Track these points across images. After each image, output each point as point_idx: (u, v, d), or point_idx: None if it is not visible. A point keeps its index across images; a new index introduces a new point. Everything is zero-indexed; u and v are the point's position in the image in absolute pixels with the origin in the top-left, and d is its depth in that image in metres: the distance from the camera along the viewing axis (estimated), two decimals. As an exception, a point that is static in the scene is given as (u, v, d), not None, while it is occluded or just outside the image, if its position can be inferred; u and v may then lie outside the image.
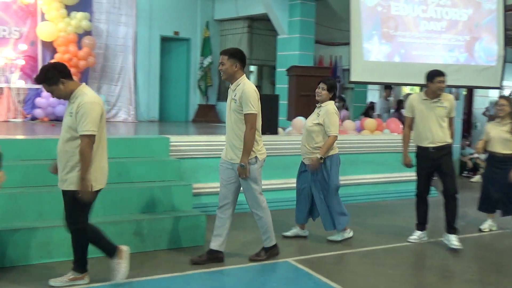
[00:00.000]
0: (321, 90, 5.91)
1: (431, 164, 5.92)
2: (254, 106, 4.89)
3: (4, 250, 5.02)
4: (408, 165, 6.15)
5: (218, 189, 7.52)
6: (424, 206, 6.11)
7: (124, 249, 4.55)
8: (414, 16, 10.10)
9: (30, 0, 10.88)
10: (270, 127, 8.12)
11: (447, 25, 10.19)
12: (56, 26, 11.06)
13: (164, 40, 13.16)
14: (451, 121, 5.97)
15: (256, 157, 5.00)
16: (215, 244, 5.11)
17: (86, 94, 4.21)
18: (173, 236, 5.76)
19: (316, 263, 5.33)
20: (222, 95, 13.81)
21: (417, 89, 14.91)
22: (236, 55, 4.95)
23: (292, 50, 11.98)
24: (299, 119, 8.81)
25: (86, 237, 4.53)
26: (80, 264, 4.59)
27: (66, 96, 4.26)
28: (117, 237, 5.41)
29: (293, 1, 11.81)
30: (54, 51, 11.19)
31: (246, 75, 5.17)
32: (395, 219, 7.35)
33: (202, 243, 5.78)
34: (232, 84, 4.99)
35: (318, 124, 5.83)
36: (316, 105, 6.07)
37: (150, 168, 6.44)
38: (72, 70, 10.73)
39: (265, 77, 14.43)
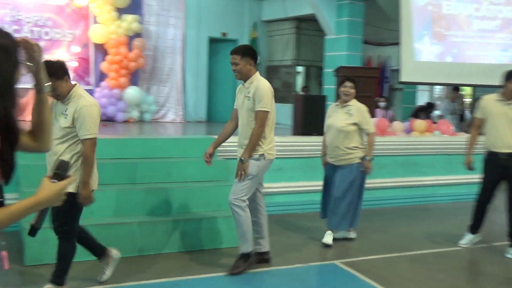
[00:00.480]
0: (349, 89, 5.73)
1: (500, 171, 5.51)
2: (268, 103, 4.71)
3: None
4: (468, 166, 5.87)
5: (266, 190, 7.50)
6: (482, 212, 5.78)
7: None
8: (467, 15, 9.89)
9: (83, 3, 11.14)
10: (317, 127, 8.03)
11: (501, 24, 9.93)
12: (107, 28, 11.27)
13: (212, 41, 13.25)
14: None
15: (262, 154, 4.81)
16: (258, 246, 5.06)
17: (83, 96, 4.16)
18: (220, 236, 5.79)
19: (364, 266, 5.25)
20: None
21: (469, 89, 14.56)
22: (249, 53, 4.77)
23: (339, 51, 11.87)
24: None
25: (72, 244, 4.40)
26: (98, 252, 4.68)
27: (65, 94, 4.16)
28: (166, 237, 5.61)
29: (341, 1, 11.70)
30: (105, 53, 11.42)
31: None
32: (444, 223, 7.20)
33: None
34: (245, 82, 4.82)
35: (354, 123, 5.70)
36: (337, 103, 5.92)
37: (198, 168, 6.44)
38: (123, 72, 11.10)
39: (313, 77, 14.37)
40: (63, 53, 11.08)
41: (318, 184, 7.44)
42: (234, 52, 4.80)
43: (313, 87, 14.15)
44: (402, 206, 8.03)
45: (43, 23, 10.96)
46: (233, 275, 4.83)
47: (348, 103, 5.76)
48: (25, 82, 2.21)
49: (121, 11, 11.46)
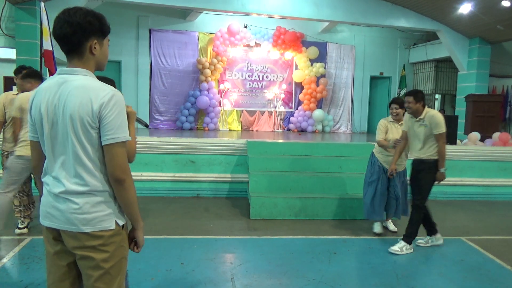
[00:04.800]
0: (396, 110, 4.84)
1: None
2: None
3: (271, 209, 5.55)
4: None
5: (408, 182, 6.91)
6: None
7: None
8: None
9: (289, 57, 11.89)
10: (451, 139, 7.95)
11: None
12: (303, 72, 11.85)
13: (372, 78, 13.16)
14: None
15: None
16: None
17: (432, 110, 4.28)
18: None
19: (485, 243, 4.73)
20: (413, 116, 13.61)
21: None
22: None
23: (469, 83, 11.25)
24: (474, 134, 8.54)
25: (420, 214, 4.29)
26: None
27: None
28: (336, 207, 5.66)
29: (472, 45, 11.08)
30: (301, 88, 12.01)
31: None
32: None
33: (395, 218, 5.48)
34: None
35: None
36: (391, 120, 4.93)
37: (360, 163, 6.36)
38: (312, 100, 11.61)
39: (447, 102, 13.77)
40: (276, 89, 11.86)
41: (450, 180, 7.17)
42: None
43: (447, 109, 13.61)
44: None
45: (265, 70, 11.87)
46: None
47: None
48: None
49: (312, 60, 11.99)
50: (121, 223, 1.78)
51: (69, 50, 1.72)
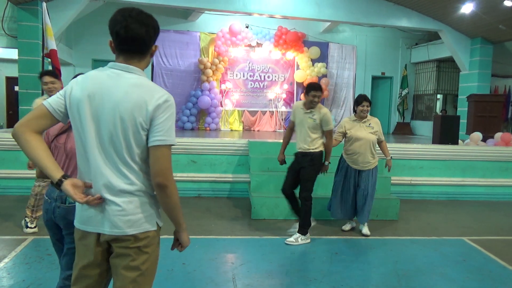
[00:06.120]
0: (367, 107, 4.71)
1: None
2: None
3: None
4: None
5: (409, 182, 7.07)
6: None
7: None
8: None
9: (290, 57, 11.90)
10: (453, 139, 7.98)
11: None
12: (305, 72, 11.84)
13: (374, 78, 13.15)
14: None
15: None
16: None
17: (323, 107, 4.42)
18: (377, 211, 5.66)
19: (486, 243, 4.74)
20: (415, 116, 13.49)
21: None
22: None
23: (471, 82, 11.23)
24: (476, 134, 8.52)
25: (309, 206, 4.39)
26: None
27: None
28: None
29: (474, 45, 11.05)
30: (303, 88, 11.83)
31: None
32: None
33: (396, 218, 5.62)
34: None
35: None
36: (355, 118, 4.91)
37: None
38: None
39: (449, 102, 13.75)
40: (278, 88, 11.88)
41: (452, 180, 7.27)
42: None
43: (449, 109, 13.57)
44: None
45: (267, 70, 11.87)
46: None
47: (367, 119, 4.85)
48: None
49: (314, 60, 11.97)
50: (160, 224, 1.78)
51: (136, 50, 1.65)
